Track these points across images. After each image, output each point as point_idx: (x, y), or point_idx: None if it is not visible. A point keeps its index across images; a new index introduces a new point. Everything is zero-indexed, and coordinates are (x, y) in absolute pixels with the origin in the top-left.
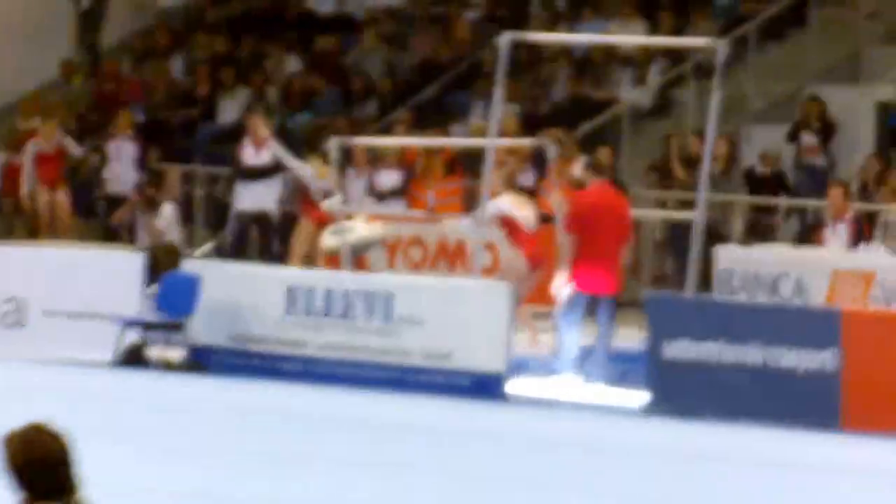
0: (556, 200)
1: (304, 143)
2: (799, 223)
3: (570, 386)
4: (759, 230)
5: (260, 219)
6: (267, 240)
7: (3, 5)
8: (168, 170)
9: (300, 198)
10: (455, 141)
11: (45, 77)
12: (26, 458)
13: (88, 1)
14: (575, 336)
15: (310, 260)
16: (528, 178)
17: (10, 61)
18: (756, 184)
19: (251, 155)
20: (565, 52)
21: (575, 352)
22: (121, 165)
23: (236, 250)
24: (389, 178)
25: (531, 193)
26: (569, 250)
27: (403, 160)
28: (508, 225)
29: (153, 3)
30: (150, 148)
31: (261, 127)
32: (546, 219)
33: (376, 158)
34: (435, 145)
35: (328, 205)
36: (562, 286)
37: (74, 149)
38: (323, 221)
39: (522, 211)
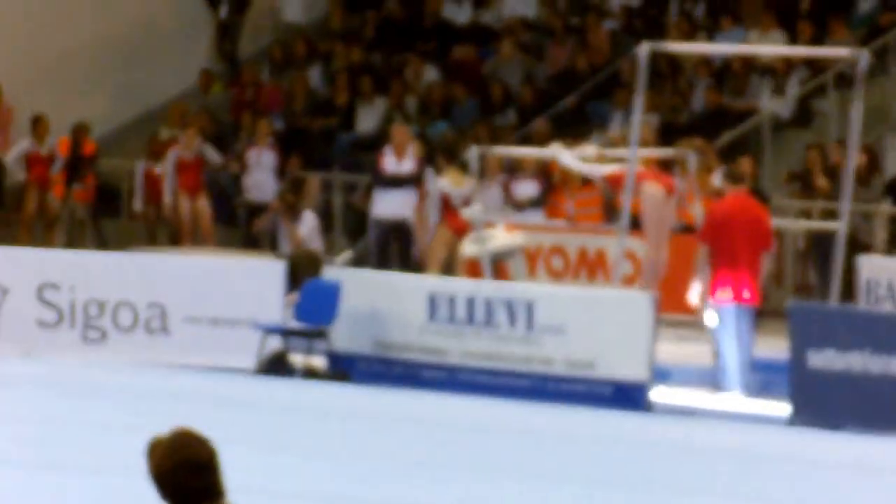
0: (697, 210)
1: (442, 152)
2: None
3: (712, 395)
4: None
5: (398, 227)
6: (406, 247)
7: (142, 16)
8: (308, 177)
9: (439, 205)
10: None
11: (185, 86)
12: (174, 462)
13: (227, 11)
14: (733, 349)
15: (448, 267)
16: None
17: (151, 71)
18: None
19: (392, 163)
20: (704, 61)
21: (737, 365)
22: (260, 173)
23: (377, 258)
24: (527, 188)
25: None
26: (704, 261)
27: (542, 170)
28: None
29: (282, 18)
30: (292, 156)
31: (404, 135)
32: (687, 229)
33: (514, 168)
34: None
35: (468, 213)
36: (697, 296)
37: (214, 157)
38: (461, 229)
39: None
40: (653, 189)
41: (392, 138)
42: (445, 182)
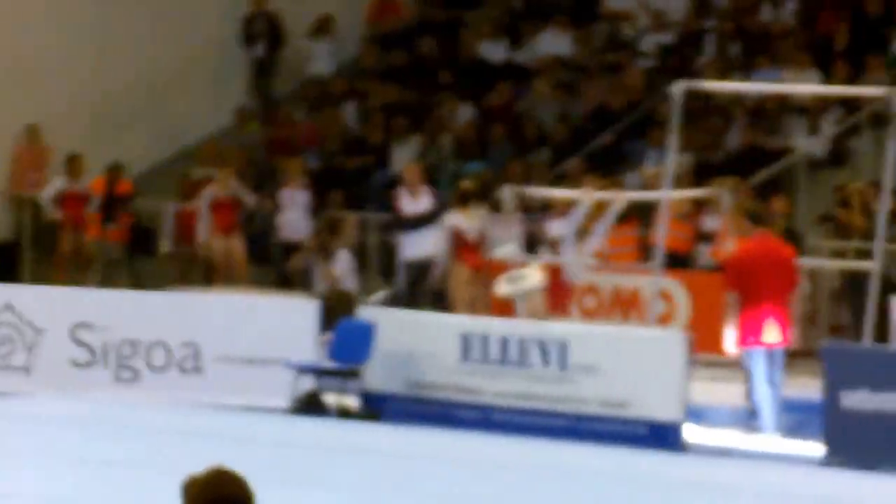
0: (730, 250)
1: (456, 196)
2: None
3: (746, 436)
4: None
5: (427, 266)
6: (435, 286)
7: (177, 53)
8: (345, 216)
9: (455, 243)
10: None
11: (220, 125)
12: (210, 501)
13: (262, 49)
14: (765, 391)
15: (473, 306)
16: (709, 224)
17: (186, 109)
18: None
19: (408, 203)
20: (739, 100)
21: (771, 408)
22: (294, 212)
23: (409, 298)
24: (560, 226)
25: (709, 239)
26: (732, 306)
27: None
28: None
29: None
30: (329, 194)
31: (416, 175)
32: (720, 268)
33: (547, 206)
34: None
35: (503, 252)
36: (733, 343)
37: (248, 198)
38: (479, 266)
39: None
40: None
41: (405, 178)
42: (458, 217)
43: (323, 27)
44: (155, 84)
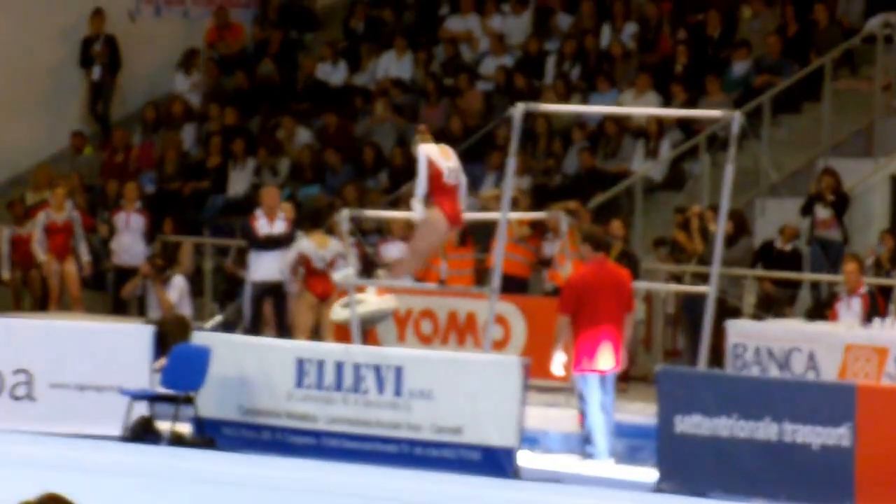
0: (568, 273)
1: (307, 217)
2: (812, 297)
3: (580, 462)
4: (772, 304)
5: (275, 289)
6: (281, 310)
7: (13, 77)
8: (182, 242)
9: (302, 269)
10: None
11: (56, 149)
12: None
13: (99, 72)
14: (598, 416)
15: (315, 332)
16: (548, 249)
17: (21, 133)
18: (774, 258)
19: (265, 225)
20: (578, 123)
21: (603, 433)
22: (129, 237)
23: (252, 322)
24: (396, 250)
25: (548, 264)
26: (563, 330)
27: (410, 231)
28: (304, 263)
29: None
30: (165, 219)
31: (275, 198)
32: (557, 291)
33: (384, 230)
34: None
35: (339, 276)
36: (560, 366)
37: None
38: (325, 293)
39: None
40: (437, 216)
41: (262, 201)
42: (307, 244)
43: (189, 61)
44: None
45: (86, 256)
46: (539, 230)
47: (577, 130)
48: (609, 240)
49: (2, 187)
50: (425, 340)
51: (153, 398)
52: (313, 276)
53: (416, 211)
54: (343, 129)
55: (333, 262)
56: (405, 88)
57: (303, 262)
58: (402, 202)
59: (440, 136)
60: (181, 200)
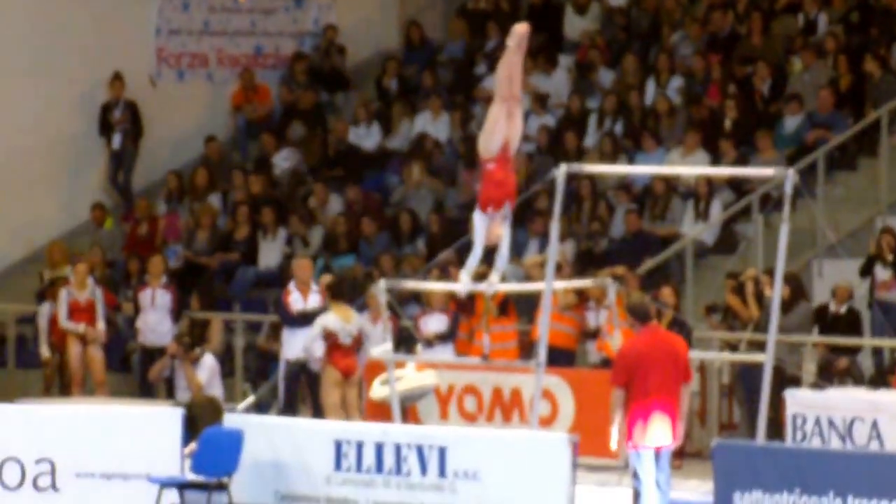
0: (617, 343)
1: (327, 289)
2: (874, 364)
3: None
4: (833, 372)
5: (309, 368)
6: (316, 390)
7: (28, 147)
8: (211, 319)
9: (326, 345)
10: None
11: (76, 223)
12: None
13: (119, 140)
14: (653, 497)
15: (342, 411)
16: (595, 319)
17: (38, 207)
18: (830, 322)
19: (298, 300)
20: (624, 185)
21: None
22: (155, 315)
23: (287, 401)
24: (436, 322)
25: (595, 335)
26: (618, 403)
27: (451, 303)
28: (329, 338)
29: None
30: (192, 294)
31: (307, 270)
32: (606, 362)
33: (423, 301)
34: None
35: (378, 352)
36: (617, 442)
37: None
38: (349, 369)
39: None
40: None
41: (295, 274)
42: (331, 318)
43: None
44: (2, 181)
45: (102, 328)
46: (583, 298)
47: (623, 192)
48: (657, 307)
49: (21, 264)
50: (469, 418)
51: (184, 485)
52: (338, 351)
53: (462, 282)
54: (378, 196)
55: (360, 337)
56: (442, 150)
57: (328, 337)
58: (440, 271)
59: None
60: (209, 274)
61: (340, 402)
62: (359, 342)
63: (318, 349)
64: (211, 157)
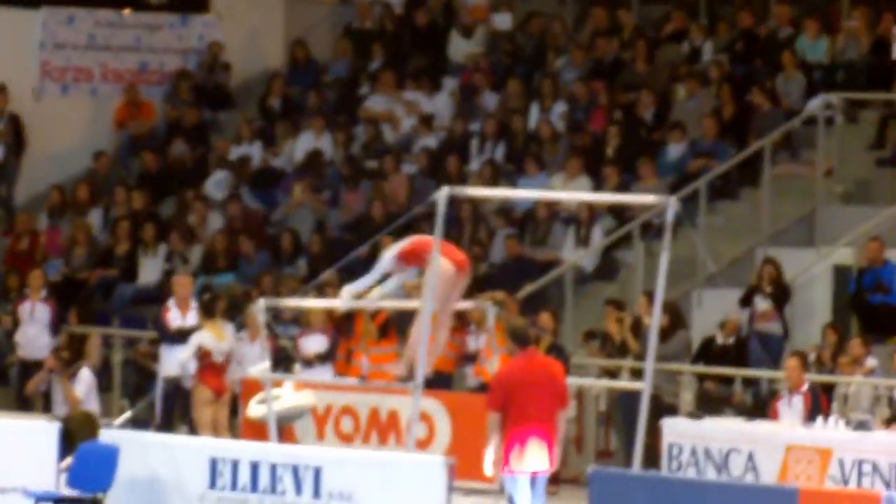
0: (495, 368)
1: (201, 306)
2: (751, 394)
3: None
4: (711, 402)
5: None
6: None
7: None
8: (90, 333)
9: (198, 363)
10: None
11: None
12: None
13: (2, 153)
14: None
15: (215, 429)
16: (474, 343)
17: None
18: (716, 354)
19: (177, 317)
20: (506, 209)
21: None
22: (34, 328)
23: (164, 418)
24: (316, 342)
25: (474, 359)
26: (494, 427)
27: (330, 323)
28: (203, 356)
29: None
30: (70, 309)
31: (187, 288)
32: (484, 387)
33: (302, 321)
34: (370, 307)
35: (255, 371)
36: (492, 465)
37: None
38: (220, 388)
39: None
40: (444, 263)
41: (174, 291)
42: (206, 336)
43: None
44: None
45: None
46: (463, 322)
47: (504, 216)
48: (535, 332)
49: None
50: (346, 439)
51: (59, 500)
52: (210, 369)
53: (343, 297)
54: (259, 214)
55: (230, 355)
56: (325, 170)
57: (202, 355)
58: (321, 291)
59: (360, 222)
60: (88, 289)
61: (211, 420)
62: (228, 361)
63: (192, 366)
64: (99, 171)
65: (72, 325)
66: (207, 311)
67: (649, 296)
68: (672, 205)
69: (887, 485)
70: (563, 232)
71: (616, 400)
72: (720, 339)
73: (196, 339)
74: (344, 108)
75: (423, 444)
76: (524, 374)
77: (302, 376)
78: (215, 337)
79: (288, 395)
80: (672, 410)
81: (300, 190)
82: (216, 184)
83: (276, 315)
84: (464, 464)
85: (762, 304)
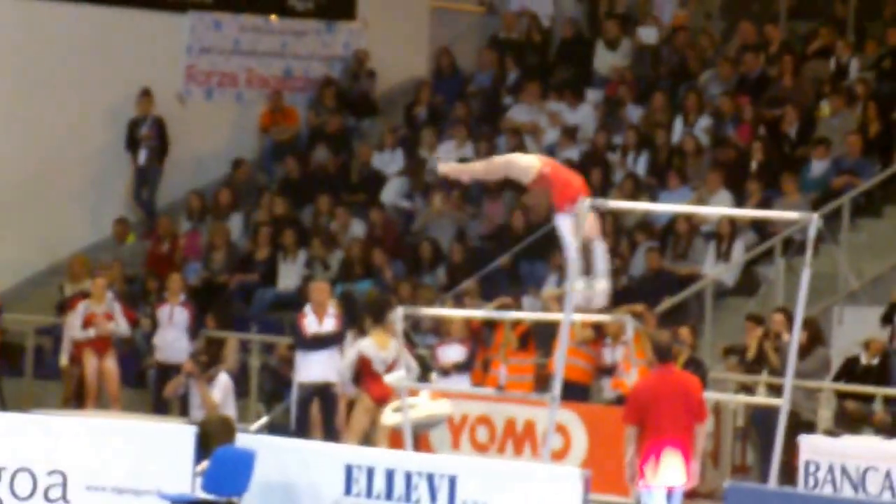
0: (633, 381)
1: (370, 312)
2: (891, 413)
3: None
4: (850, 420)
5: (323, 391)
6: (330, 413)
7: (55, 160)
8: (227, 339)
9: (361, 371)
10: (528, 314)
11: (99, 237)
12: None
13: (145, 156)
14: None
15: (369, 438)
16: (611, 355)
17: (63, 219)
18: (860, 375)
19: (313, 323)
20: (647, 222)
21: None
22: (173, 332)
23: (299, 424)
24: (454, 352)
25: (611, 371)
26: (630, 441)
27: (469, 333)
28: (364, 365)
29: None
30: (208, 313)
31: (324, 294)
32: (621, 400)
33: (441, 330)
34: (509, 318)
35: (391, 378)
36: (631, 478)
37: (121, 325)
38: (383, 397)
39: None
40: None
41: (311, 297)
42: (368, 344)
43: None
44: (30, 191)
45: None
46: (600, 335)
47: (645, 230)
48: (677, 347)
49: (43, 276)
50: (481, 448)
51: (194, 503)
52: (371, 378)
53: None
54: (397, 223)
55: (393, 364)
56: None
57: (362, 363)
58: (460, 300)
59: (500, 232)
60: (227, 294)
61: (370, 429)
62: (392, 370)
63: (348, 374)
64: (238, 178)
65: (210, 330)
66: (375, 318)
67: (785, 312)
68: (814, 221)
69: None
70: (704, 246)
71: (753, 416)
72: (864, 359)
73: (357, 348)
74: (487, 118)
75: (558, 456)
76: (660, 389)
77: (439, 385)
78: (378, 345)
79: (424, 403)
80: (810, 427)
81: (440, 199)
82: (394, 192)
83: (414, 324)
84: (599, 477)
85: None
